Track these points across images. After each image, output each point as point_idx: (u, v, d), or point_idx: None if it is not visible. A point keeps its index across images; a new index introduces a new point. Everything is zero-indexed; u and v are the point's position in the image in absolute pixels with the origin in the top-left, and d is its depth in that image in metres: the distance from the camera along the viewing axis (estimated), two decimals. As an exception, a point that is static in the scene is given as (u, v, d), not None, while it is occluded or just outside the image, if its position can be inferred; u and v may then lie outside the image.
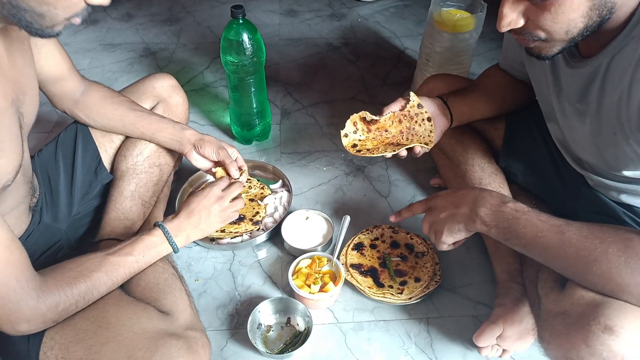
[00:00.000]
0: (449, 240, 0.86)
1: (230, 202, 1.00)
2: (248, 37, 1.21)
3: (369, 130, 0.97)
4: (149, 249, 0.89)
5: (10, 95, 0.76)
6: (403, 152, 0.94)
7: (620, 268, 0.65)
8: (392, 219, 1.00)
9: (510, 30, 0.72)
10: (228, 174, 1.08)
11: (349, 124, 0.97)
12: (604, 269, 0.66)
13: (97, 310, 0.81)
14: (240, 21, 1.20)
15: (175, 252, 0.92)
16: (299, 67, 1.76)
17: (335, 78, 1.71)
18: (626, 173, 0.80)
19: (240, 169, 1.09)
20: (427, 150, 0.96)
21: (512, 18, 0.70)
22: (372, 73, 1.72)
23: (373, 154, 0.93)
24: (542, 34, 0.71)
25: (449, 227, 0.83)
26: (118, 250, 0.86)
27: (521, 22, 0.71)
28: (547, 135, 1.02)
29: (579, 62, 0.79)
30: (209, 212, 0.97)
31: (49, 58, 0.94)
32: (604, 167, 0.86)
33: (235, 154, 1.11)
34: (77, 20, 0.69)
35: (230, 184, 1.02)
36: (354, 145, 0.96)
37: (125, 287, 0.91)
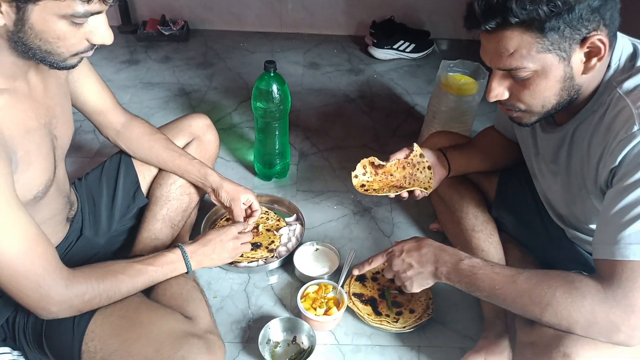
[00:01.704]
0: (417, 291, 0.99)
1: (240, 244, 1.15)
2: (277, 87, 1.39)
3: (376, 174, 1.12)
4: (167, 264, 1.02)
5: (43, 118, 0.90)
6: (404, 194, 1.08)
7: (569, 308, 0.76)
8: (356, 272, 1.12)
9: (497, 101, 0.88)
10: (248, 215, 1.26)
11: (359, 166, 1.12)
12: (555, 311, 0.77)
13: (132, 311, 0.94)
14: (272, 74, 1.38)
15: (188, 272, 1.05)
16: (318, 114, 1.93)
17: (350, 127, 1.87)
18: (592, 226, 0.93)
19: (251, 213, 1.25)
20: (426, 195, 1.10)
21: (498, 91, 0.85)
22: (384, 125, 1.89)
23: (378, 193, 1.07)
24: (522, 106, 0.86)
25: (419, 282, 0.97)
26: (142, 260, 1.00)
27: (506, 95, 0.86)
28: (534, 191, 1.15)
29: (553, 128, 0.95)
30: (223, 246, 1.11)
31: (92, 93, 1.10)
32: (576, 221, 1.00)
33: (252, 199, 1.24)
34: (89, 54, 0.83)
35: (244, 231, 1.18)
36: (362, 185, 1.10)
37: (153, 297, 1.05)
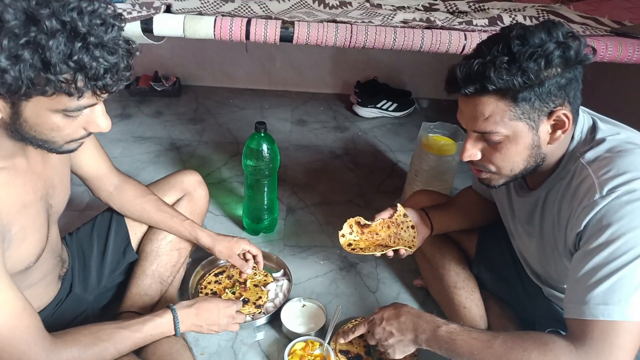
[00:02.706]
0: (401, 356, 1.04)
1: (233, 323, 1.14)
2: (267, 147, 1.46)
3: (362, 233, 1.17)
4: (156, 329, 1.01)
5: (40, 190, 0.93)
6: (390, 253, 1.12)
7: None
8: (342, 340, 1.17)
9: (469, 162, 0.95)
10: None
11: (345, 226, 1.17)
12: None
13: (120, 374, 0.95)
14: (262, 134, 1.45)
15: (176, 335, 1.05)
16: (305, 170, 2.00)
17: (335, 182, 1.94)
18: (565, 286, 0.99)
19: (255, 258, 1.30)
20: (411, 253, 1.15)
21: (472, 152, 0.93)
22: (368, 181, 1.96)
23: (365, 252, 1.11)
24: (493, 168, 0.93)
25: (401, 350, 1.03)
26: (130, 325, 0.98)
27: (478, 157, 0.93)
28: (512, 250, 1.21)
29: (526, 192, 1.02)
30: (217, 320, 1.09)
31: (90, 159, 1.13)
32: (551, 280, 1.05)
33: (246, 248, 1.28)
34: (86, 139, 0.84)
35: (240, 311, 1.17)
36: (349, 244, 1.15)
37: (143, 356, 1.05)
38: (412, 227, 1.16)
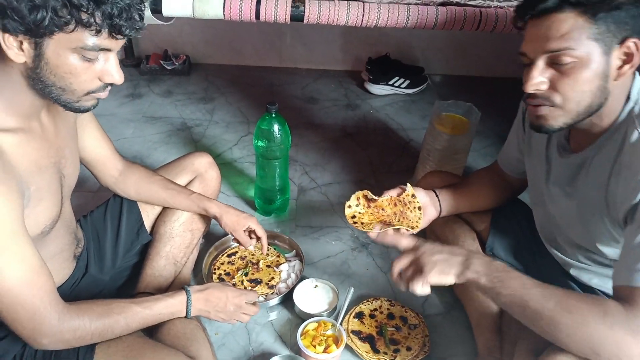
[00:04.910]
0: (434, 280, 0.93)
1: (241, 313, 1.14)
2: (278, 128, 1.45)
3: (369, 206, 1.15)
4: (167, 308, 1.02)
5: (53, 157, 0.94)
6: (390, 232, 1.08)
7: (588, 320, 0.78)
8: (372, 235, 1.08)
9: (528, 98, 0.91)
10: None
11: (353, 198, 1.15)
12: (577, 321, 0.78)
13: (135, 351, 0.96)
14: (273, 115, 1.43)
15: (187, 317, 1.06)
16: (316, 149, 1.99)
17: (347, 162, 1.92)
18: (599, 245, 0.98)
19: (257, 237, 1.31)
20: (413, 234, 1.11)
21: (539, 80, 0.87)
22: (380, 160, 1.94)
23: (364, 229, 1.09)
24: (558, 99, 0.87)
25: (441, 269, 0.93)
26: (142, 301, 1.00)
27: (545, 87, 0.88)
28: (527, 229, 1.20)
29: (570, 154, 1.00)
30: (225, 308, 1.10)
31: (93, 143, 1.14)
32: (583, 241, 1.03)
33: (253, 226, 1.29)
34: (102, 95, 0.87)
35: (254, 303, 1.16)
36: (353, 217, 1.13)
37: (157, 335, 1.07)
38: (419, 208, 1.14)
